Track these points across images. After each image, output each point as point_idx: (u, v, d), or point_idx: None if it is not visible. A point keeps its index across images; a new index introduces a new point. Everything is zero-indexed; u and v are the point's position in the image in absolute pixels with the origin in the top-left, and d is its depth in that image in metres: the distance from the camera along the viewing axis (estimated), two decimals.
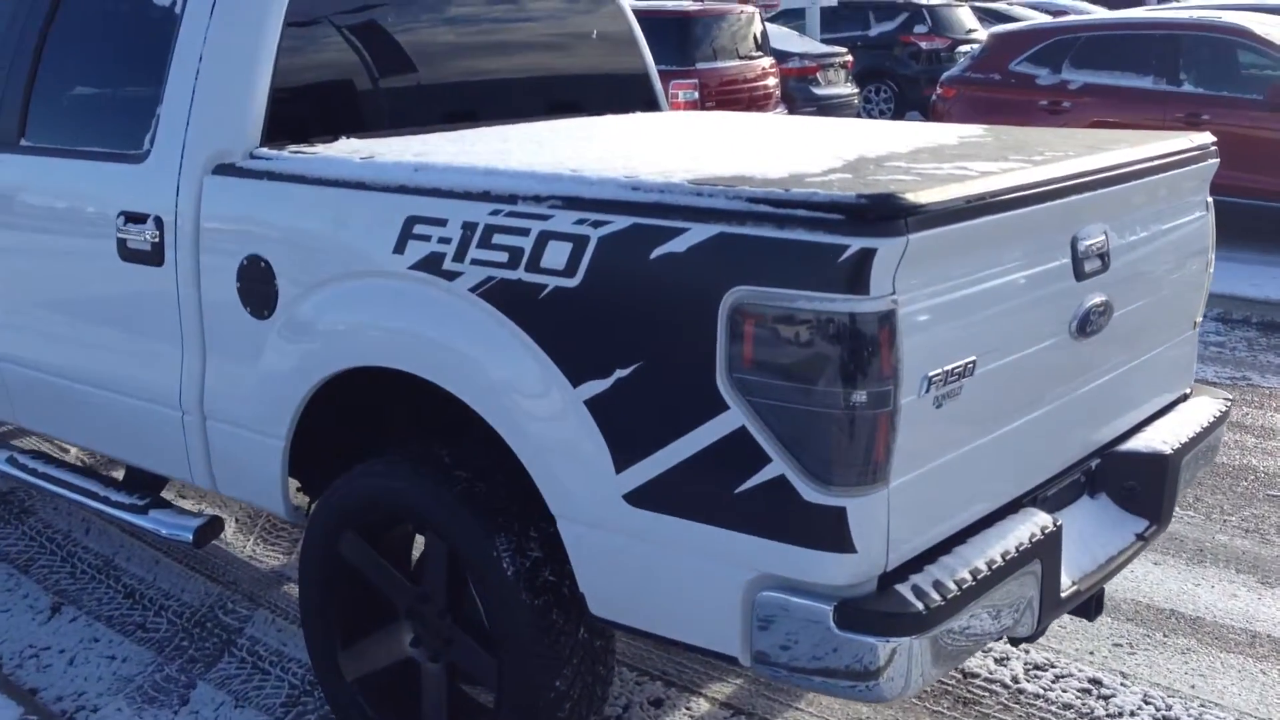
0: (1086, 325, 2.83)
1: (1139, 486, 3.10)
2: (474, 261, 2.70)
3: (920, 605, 2.35)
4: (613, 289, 2.51)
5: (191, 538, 3.50)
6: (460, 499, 2.83)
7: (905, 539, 2.43)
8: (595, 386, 2.55)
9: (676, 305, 2.43)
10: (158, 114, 3.36)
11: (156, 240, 3.32)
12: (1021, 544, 2.59)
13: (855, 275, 2.25)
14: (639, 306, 2.48)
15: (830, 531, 2.33)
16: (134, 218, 3.38)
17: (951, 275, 2.43)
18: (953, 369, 2.44)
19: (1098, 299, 2.84)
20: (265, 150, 3.20)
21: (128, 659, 3.70)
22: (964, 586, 2.43)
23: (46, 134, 3.75)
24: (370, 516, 3.06)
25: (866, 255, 2.24)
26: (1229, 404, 3.58)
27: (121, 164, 3.44)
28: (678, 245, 2.42)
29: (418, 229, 2.80)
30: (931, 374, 2.38)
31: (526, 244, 2.62)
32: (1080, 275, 2.79)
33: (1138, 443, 3.15)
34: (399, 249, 2.82)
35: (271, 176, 3.12)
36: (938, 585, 2.41)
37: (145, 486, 3.80)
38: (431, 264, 2.77)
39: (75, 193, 3.59)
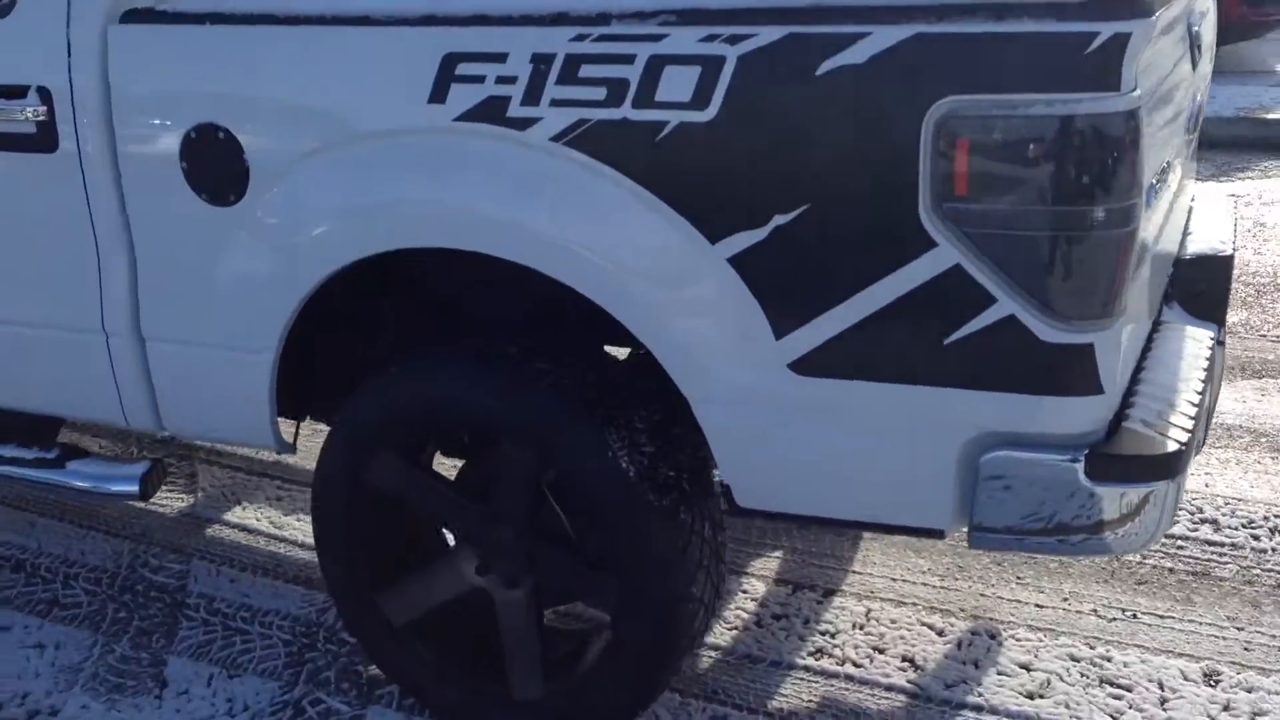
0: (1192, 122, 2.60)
1: (1206, 290, 2.93)
2: (555, 103, 2.16)
3: (1174, 443, 2.08)
4: (764, 119, 2.04)
5: (138, 488, 2.83)
6: (554, 395, 2.34)
7: (1124, 372, 2.15)
8: (744, 240, 2.10)
9: (860, 129, 2.00)
10: None
11: (43, 118, 2.57)
12: (1203, 361, 2.36)
13: (1105, 68, 1.88)
14: (805, 136, 2.03)
15: (1075, 373, 2.01)
16: (3, 92, 2.60)
17: (1156, 64, 2.11)
18: (1158, 176, 2.14)
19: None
20: None
21: (60, 644, 3.01)
22: (1194, 416, 2.18)
23: None
24: (415, 432, 2.52)
25: (1118, 43, 1.87)
26: (1233, 199, 3.47)
27: None
28: (854, 56, 1.97)
29: (463, 68, 2.21)
30: (1154, 182, 2.08)
31: (632, 74, 2.10)
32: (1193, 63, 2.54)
33: (1199, 245, 2.97)
34: (438, 97, 2.24)
35: (220, 20, 2.42)
36: (1169, 419, 2.15)
37: (28, 434, 3.07)
38: (490, 111, 2.20)
39: None
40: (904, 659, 2.88)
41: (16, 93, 2.58)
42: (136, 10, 2.50)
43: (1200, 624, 2.99)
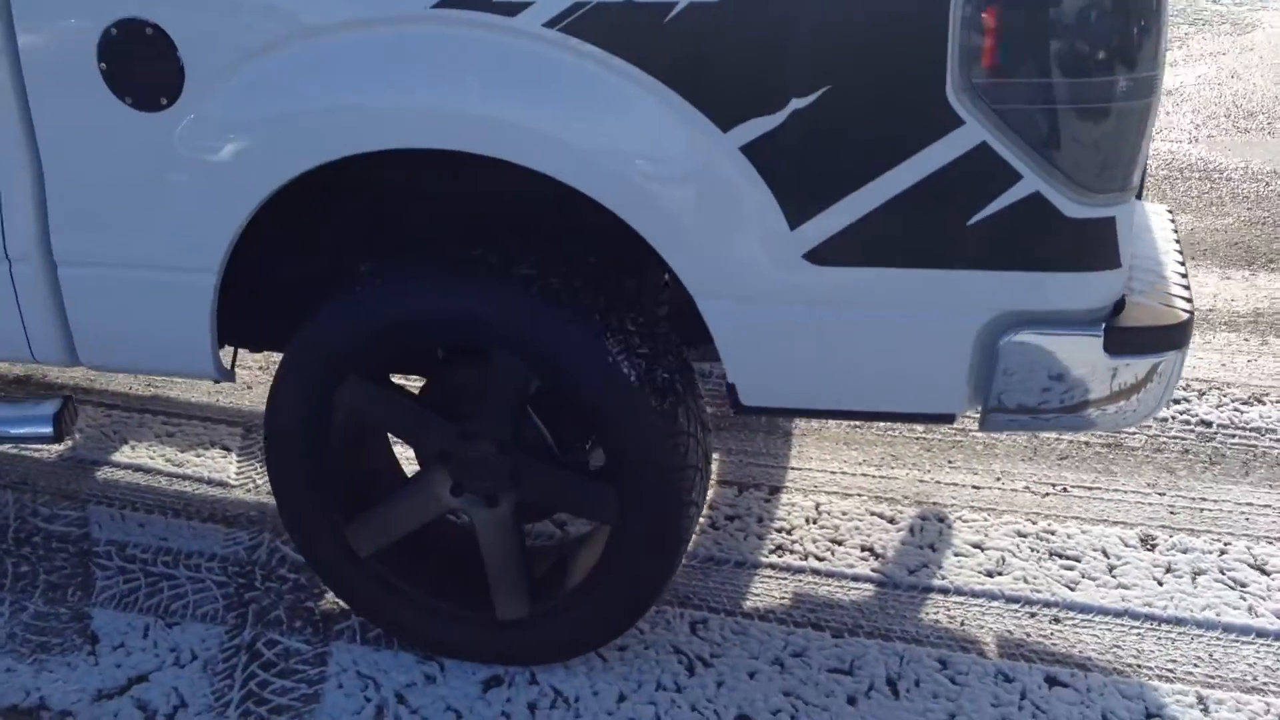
0: None
1: None
2: None
3: (1183, 313, 2.13)
4: None
5: (51, 429, 2.56)
6: (548, 302, 2.22)
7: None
8: (758, 126, 2.01)
9: (885, 4, 1.93)
10: None
11: None
12: (1171, 234, 2.42)
13: None
14: (825, 14, 1.95)
15: (1097, 247, 2.02)
16: None
17: None
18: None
19: None
20: None
21: None
22: (1187, 286, 2.23)
23: None
24: (390, 349, 2.35)
25: None
26: None
27: None
28: None
29: None
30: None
31: None
32: None
33: None
34: None
35: None
36: (1167, 291, 2.19)
37: None
38: None
39: None
40: (863, 549, 2.91)
41: None
42: None
43: (1125, 492, 3.12)
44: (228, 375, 2.49)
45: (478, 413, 2.36)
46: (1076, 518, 3.02)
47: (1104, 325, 2.06)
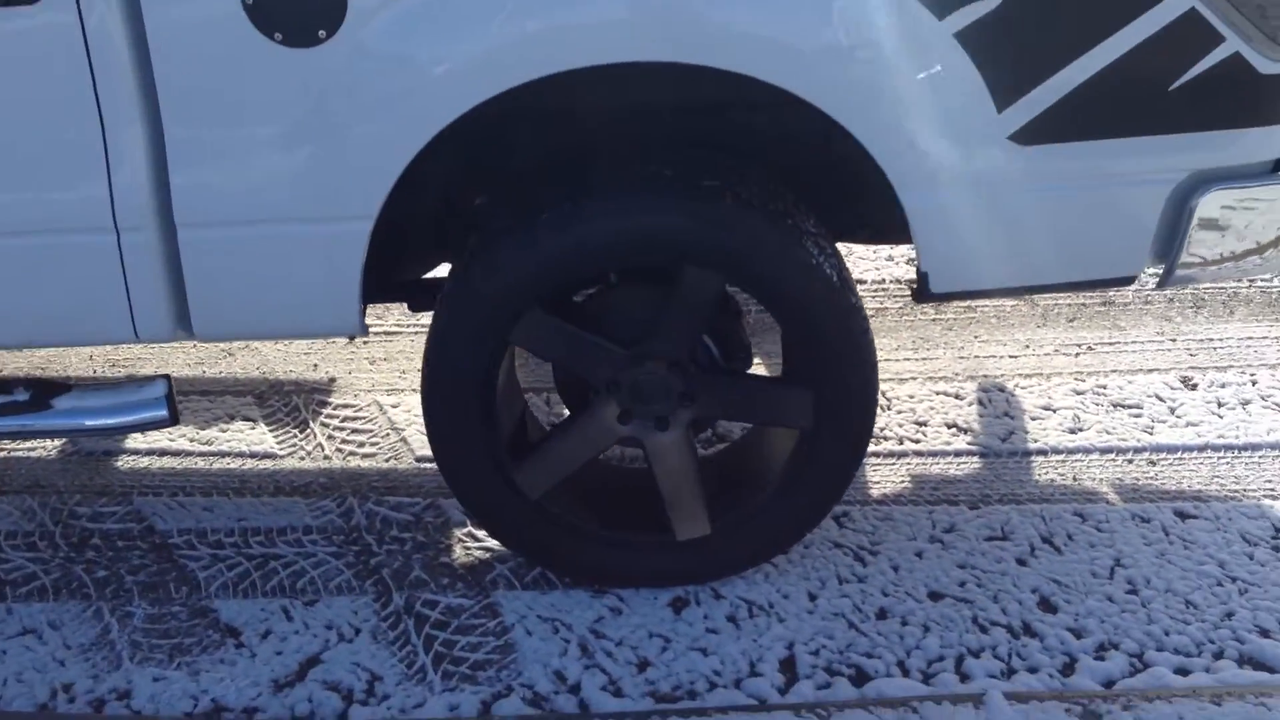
0: None
1: None
2: None
3: None
4: None
5: (166, 412, 2.31)
6: (751, 212, 2.16)
7: None
8: (973, 11, 2.02)
9: None
10: None
11: None
12: None
13: None
14: None
15: None
16: None
17: None
18: None
19: None
20: None
21: (56, 624, 2.40)
22: None
23: None
24: (567, 279, 2.24)
25: None
26: None
27: None
28: None
29: None
30: None
31: None
32: None
33: None
34: None
35: None
36: None
37: None
38: None
39: None
40: (947, 426, 3.01)
41: None
42: None
43: (1142, 343, 3.34)
44: (364, 330, 2.32)
45: (654, 334, 2.29)
46: (1116, 371, 3.21)
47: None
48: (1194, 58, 2.08)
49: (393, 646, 2.37)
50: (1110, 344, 3.34)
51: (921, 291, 2.28)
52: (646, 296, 2.31)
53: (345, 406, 3.16)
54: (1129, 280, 2.32)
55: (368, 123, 2.08)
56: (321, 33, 2.01)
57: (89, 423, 2.31)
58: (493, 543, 2.60)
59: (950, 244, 2.23)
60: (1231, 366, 3.22)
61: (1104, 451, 2.89)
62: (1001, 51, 2.06)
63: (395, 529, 2.68)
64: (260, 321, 2.29)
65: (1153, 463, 2.85)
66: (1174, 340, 3.36)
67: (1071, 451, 2.90)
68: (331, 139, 2.09)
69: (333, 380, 3.29)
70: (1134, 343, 3.35)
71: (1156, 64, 2.08)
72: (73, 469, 2.93)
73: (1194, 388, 3.14)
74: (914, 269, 2.33)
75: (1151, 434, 2.95)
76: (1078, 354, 3.30)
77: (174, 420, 2.33)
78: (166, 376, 2.37)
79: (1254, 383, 3.14)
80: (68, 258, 2.18)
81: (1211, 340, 3.35)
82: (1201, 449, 2.89)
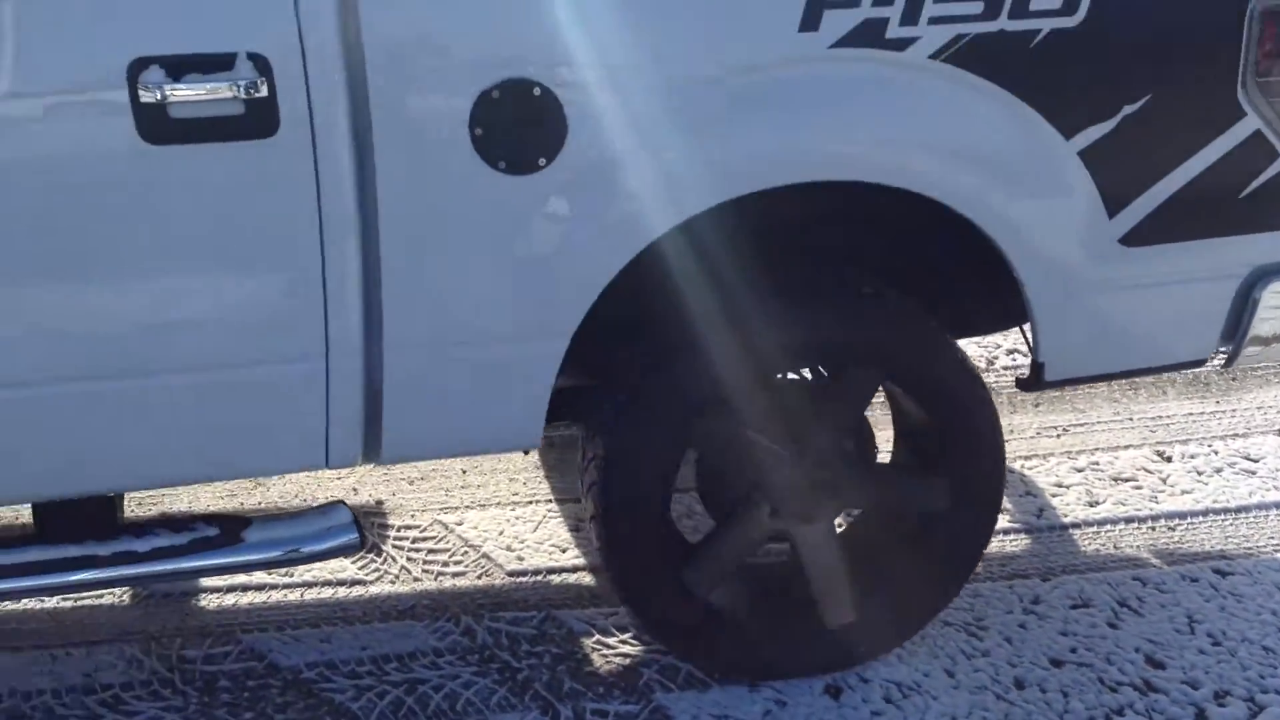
0: None
1: None
2: (933, 20, 2.21)
3: None
4: (1123, 19, 2.30)
5: (357, 535, 2.32)
6: (904, 315, 2.41)
7: None
8: (1095, 132, 2.34)
9: (1196, 23, 2.35)
10: None
11: (264, 94, 2.00)
12: None
13: None
14: (1155, 33, 2.33)
15: None
16: (195, 64, 1.97)
17: None
18: None
19: None
20: None
21: None
22: None
23: None
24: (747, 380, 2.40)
25: None
26: None
27: None
28: None
29: None
30: None
31: None
32: None
33: None
34: (810, 25, 2.17)
35: None
36: None
37: (90, 519, 2.33)
38: (868, 35, 2.19)
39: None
40: None
41: (218, 64, 1.98)
42: None
43: (1105, 422, 3.73)
44: (540, 444, 2.41)
45: (817, 432, 2.48)
46: (1099, 449, 3.59)
47: None
48: (1258, 169, 2.47)
49: None
50: (1081, 425, 3.73)
51: (1035, 380, 2.56)
52: (804, 397, 2.50)
53: (409, 528, 3.17)
54: (1201, 363, 2.67)
55: (577, 242, 2.21)
56: (542, 161, 2.15)
57: (281, 554, 2.29)
58: (628, 648, 2.69)
59: (1066, 336, 2.53)
60: (1190, 439, 3.65)
61: (1127, 521, 3.23)
62: (1114, 167, 2.39)
63: (525, 643, 2.73)
64: (447, 440, 2.34)
65: (1172, 529, 3.21)
66: (1131, 419, 3.78)
67: (1101, 523, 3.23)
68: (540, 260, 2.20)
69: (380, 503, 3.29)
70: (1100, 422, 3.74)
71: (1229, 176, 2.46)
72: (157, 613, 2.82)
73: (1169, 460, 3.54)
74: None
75: (1158, 503, 3.32)
76: (1058, 435, 3.67)
77: (364, 544, 2.34)
78: (342, 501, 2.38)
79: (1216, 453, 3.58)
80: (272, 388, 2.19)
81: (1161, 417, 3.78)
82: (1204, 513, 3.27)
